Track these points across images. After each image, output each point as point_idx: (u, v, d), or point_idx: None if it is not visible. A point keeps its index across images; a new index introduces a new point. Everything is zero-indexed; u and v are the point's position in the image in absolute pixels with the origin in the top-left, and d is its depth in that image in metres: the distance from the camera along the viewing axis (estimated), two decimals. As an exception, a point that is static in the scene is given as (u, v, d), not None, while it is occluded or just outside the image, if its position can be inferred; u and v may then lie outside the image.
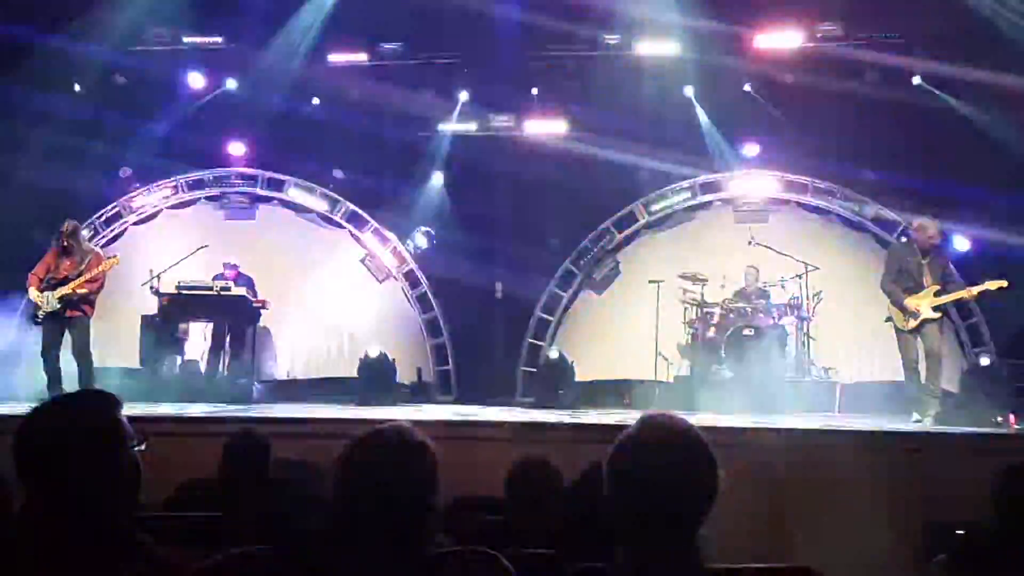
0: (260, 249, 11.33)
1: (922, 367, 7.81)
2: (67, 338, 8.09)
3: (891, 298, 7.84)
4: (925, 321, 7.67)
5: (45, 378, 7.93)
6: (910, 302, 7.67)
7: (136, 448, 2.18)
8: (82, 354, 7.89)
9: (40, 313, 7.83)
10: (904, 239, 8.12)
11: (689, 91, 11.40)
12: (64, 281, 7.83)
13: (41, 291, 7.85)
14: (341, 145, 11.56)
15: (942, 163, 9.85)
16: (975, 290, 7.94)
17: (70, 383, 7.84)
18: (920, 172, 10.05)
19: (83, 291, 7.85)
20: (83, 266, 7.90)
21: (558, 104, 11.66)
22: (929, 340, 7.71)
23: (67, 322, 7.89)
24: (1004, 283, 7.78)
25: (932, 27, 9.97)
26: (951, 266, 8.03)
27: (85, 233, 9.78)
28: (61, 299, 7.77)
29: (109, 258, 8.34)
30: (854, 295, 10.01)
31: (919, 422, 7.55)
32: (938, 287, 7.71)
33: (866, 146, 10.77)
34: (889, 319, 7.94)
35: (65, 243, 7.95)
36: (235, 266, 10.60)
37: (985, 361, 9.25)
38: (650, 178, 11.55)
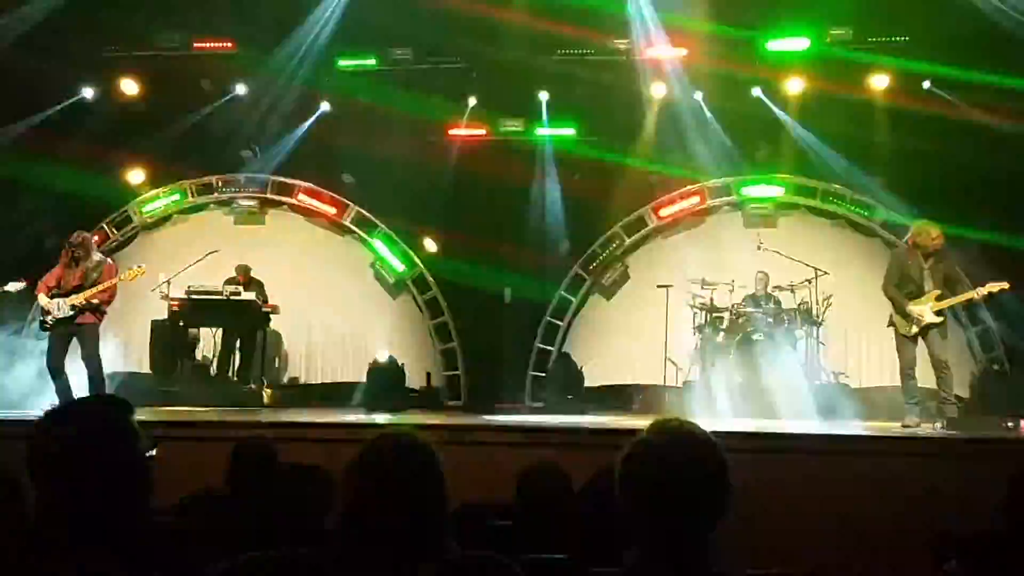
0: (270, 254, 11.36)
1: (919, 372, 7.77)
2: (74, 344, 8.06)
3: (893, 303, 7.79)
4: (928, 326, 7.61)
5: (52, 384, 7.91)
6: (912, 308, 7.62)
7: (148, 454, 2.20)
8: (91, 359, 7.85)
9: (50, 319, 7.81)
10: (907, 243, 8.05)
11: (699, 96, 11.38)
12: (76, 290, 7.81)
13: (51, 298, 7.83)
14: (351, 150, 11.57)
15: (950, 166, 9.81)
16: (975, 293, 7.89)
17: (79, 388, 7.82)
18: (928, 175, 10.02)
19: (95, 301, 7.84)
20: (95, 275, 7.86)
21: (567, 108, 11.65)
22: (933, 345, 7.65)
23: (76, 328, 7.87)
24: (1005, 285, 7.71)
25: (943, 30, 9.93)
26: (956, 269, 7.91)
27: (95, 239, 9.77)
28: (73, 306, 7.75)
29: (131, 268, 8.35)
30: (864, 300, 9.96)
31: (908, 428, 7.50)
32: (940, 292, 7.65)
33: (876, 150, 10.73)
34: (891, 324, 7.90)
35: (75, 253, 7.91)
36: (246, 268, 10.62)
37: (996, 367, 9.21)
38: (659, 182, 11.55)
